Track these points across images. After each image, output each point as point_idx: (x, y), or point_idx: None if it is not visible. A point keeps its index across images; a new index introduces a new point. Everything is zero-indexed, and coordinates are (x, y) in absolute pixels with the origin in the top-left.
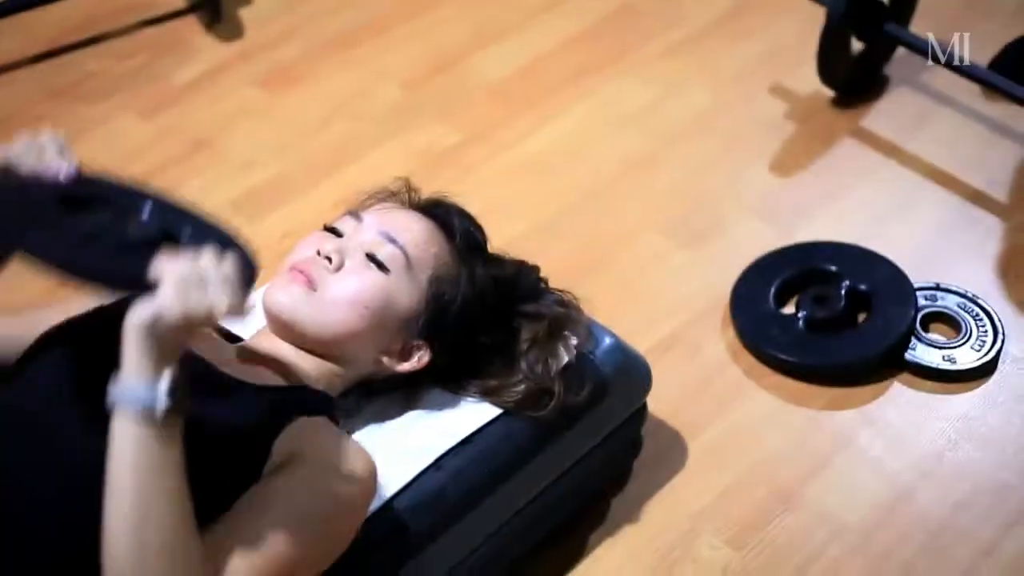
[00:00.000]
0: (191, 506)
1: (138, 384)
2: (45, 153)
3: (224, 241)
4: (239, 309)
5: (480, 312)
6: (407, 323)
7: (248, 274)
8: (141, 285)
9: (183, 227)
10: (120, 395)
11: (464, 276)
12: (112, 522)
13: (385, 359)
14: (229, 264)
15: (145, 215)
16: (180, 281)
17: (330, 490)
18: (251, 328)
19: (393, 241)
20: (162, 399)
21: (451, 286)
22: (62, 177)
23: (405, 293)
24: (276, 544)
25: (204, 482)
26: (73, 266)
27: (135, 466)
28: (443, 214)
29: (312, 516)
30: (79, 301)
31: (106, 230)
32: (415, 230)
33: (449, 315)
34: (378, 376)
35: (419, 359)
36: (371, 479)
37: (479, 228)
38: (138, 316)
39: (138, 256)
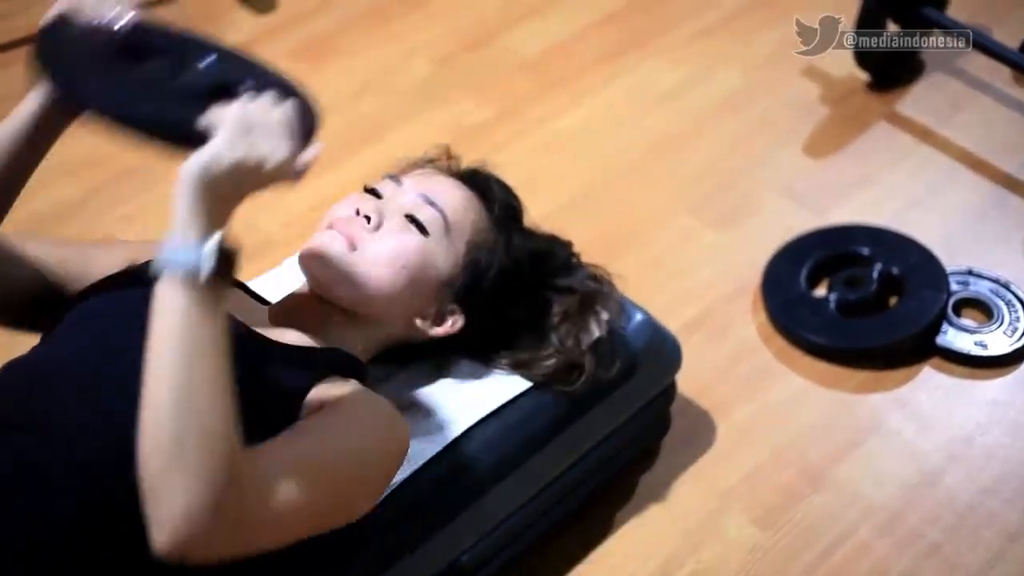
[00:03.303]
0: (233, 396)
1: (184, 243)
2: (103, 2)
3: (287, 90)
4: (292, 165)
5: (515, 282)
6: (443, 287)
7: (308, 125)
8: (197, 135)
9: (244, 78)
10: (163, 256)
11: (501, 244)
12: (150, 401)
13: (419, 322)
14: (287, 110)
15: (204, 64)
16: (234, 126)
17: (363, 434)
18: (283, 291)
19: (432, 204)
20: (207, 260)
21: (488, 253)
22: (120, 26)
23: (442, 257)
24: (309, 469)
25: None
26: (127, 116)
27: (176, 339)
28: (482, 183)
29: (344, 452)
30: (124, 249)
31: (162, 79)
32: (455, 196)
33: (484, 282)
34: (411, 341)
35: (453, 323)
36: (404, 432)
37: (517, 199)
38: (189, 166)
39: (195, 106)
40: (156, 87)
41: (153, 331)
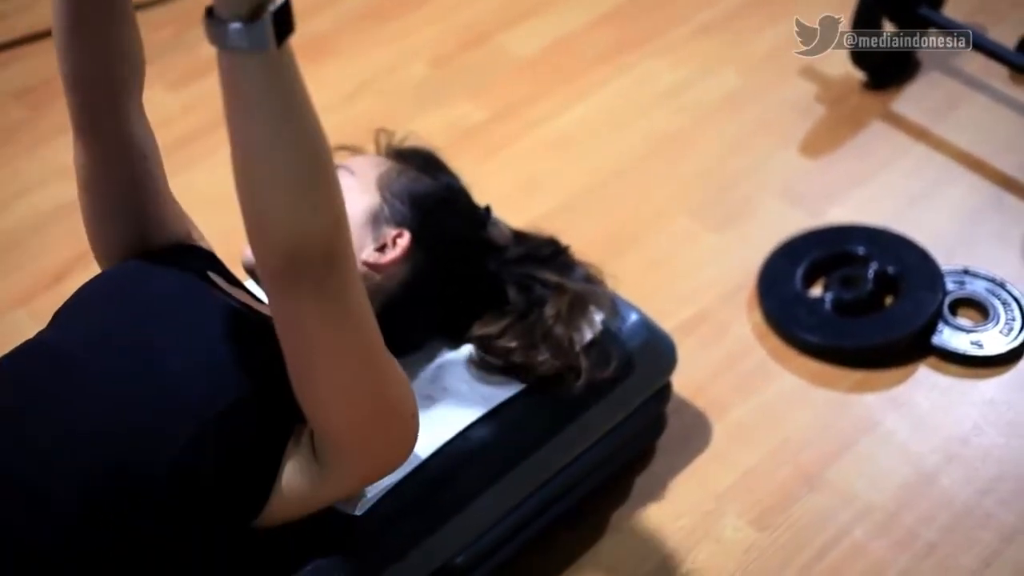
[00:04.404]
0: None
1: (236, 25)
2: None
3: None
4: None
5: (440, 195)
6: (372, 220)
7: None
8: None
9: None
10: (218, 39)
11: (410, 171)
12: (244, 164)
13: (367, 256)
14: None
15: None
16: None
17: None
18: None
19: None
20: (269, 31)
21: (398, 174)
22: None
23: (356, 193)
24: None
25: (243, 426)
26: None
27: (263, 105)
28: (385, 148)
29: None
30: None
31: None
32: (357, 157)
33: (404, 194)
34: (384, 289)
35: (399, 244)
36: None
37: (427, 151)
38: None
39: None
40: None
41: (230, 106)
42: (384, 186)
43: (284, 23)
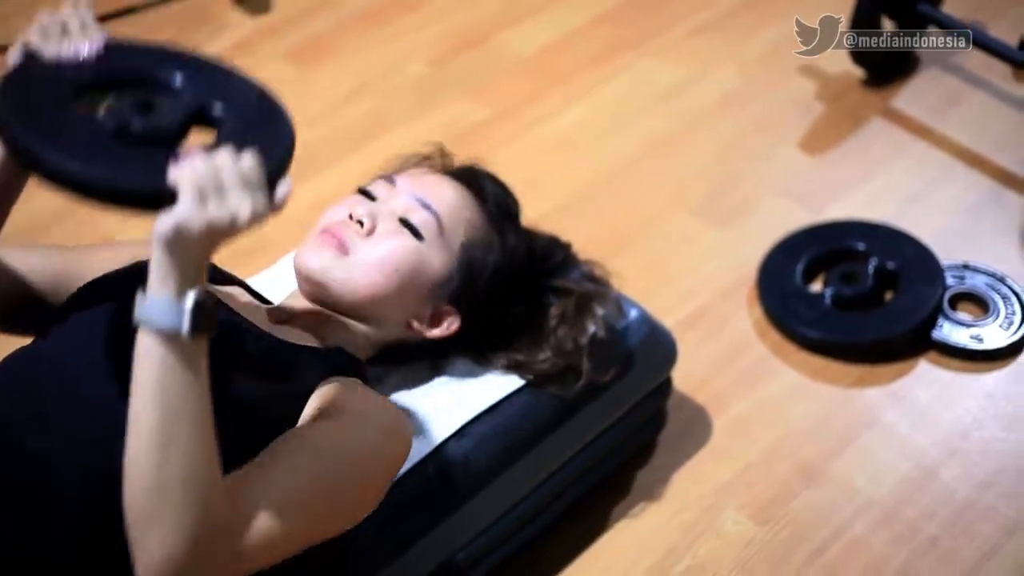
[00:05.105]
0: (215, 437)
1: (162, 302)
2: (67, 32)
3: (260, 105)
4: (263, 211)
5: (511, 281)
6: (438, 288)
7: (278, 160)
8: (164, 196)
9: (213, 100)
10: (144, 314)
11: (496, 243)
12: (133, 448)
13: (415, 323)
14: (249, 161)
15: (173, 85)
16: (197, 188)
17: (365, 437)
18: (284, 292)
19: (427, 207)
20: (186, 320)
21: (483, 252)
22: (84, 57)
23: (437, 258)
24: (304, 485)
25: (234, 440)
26: (85, 184)
27: (158, 389)
28: (476, 180)
29: (344, 460)
30: (130, 247)
31: (124, 126)
32: (448, 196)
33: (480, 282)
34: (407, 341)
35: (449, 325)
36: (407, 437)
37: (512, 195)
38: (162, 226)
39: (161, 157)
40: (117, 142)
41: (135, 380)
42: (464, 258)
43: (201, 316)
